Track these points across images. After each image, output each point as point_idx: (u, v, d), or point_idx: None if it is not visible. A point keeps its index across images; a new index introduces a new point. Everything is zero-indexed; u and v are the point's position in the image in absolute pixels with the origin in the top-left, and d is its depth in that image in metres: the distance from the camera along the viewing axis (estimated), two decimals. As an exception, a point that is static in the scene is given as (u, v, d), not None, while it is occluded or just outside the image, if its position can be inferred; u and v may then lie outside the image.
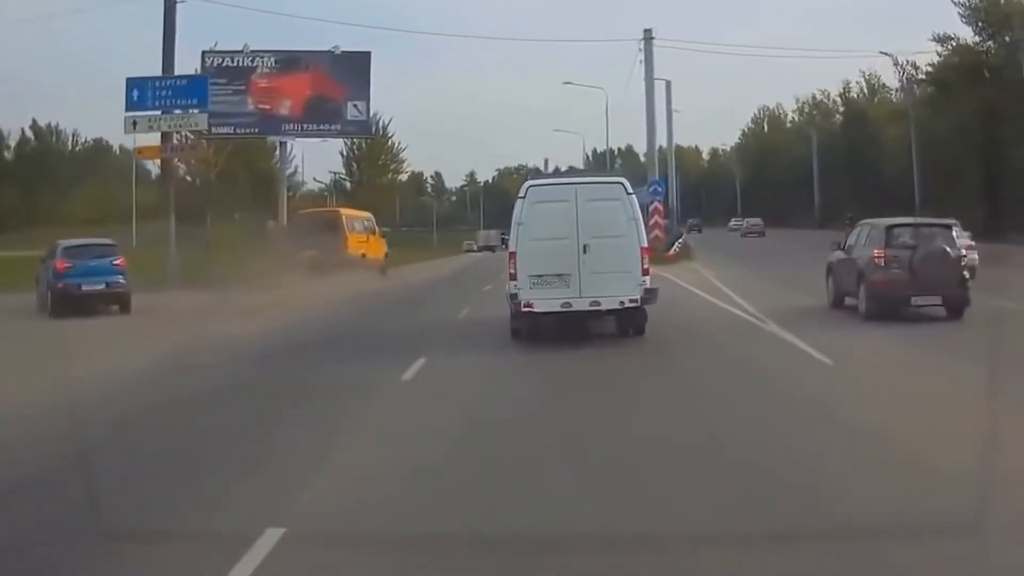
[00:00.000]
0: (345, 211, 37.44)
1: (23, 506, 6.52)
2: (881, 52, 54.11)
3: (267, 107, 35.92)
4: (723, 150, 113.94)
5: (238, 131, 37.04)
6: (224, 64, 36.04)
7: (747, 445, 7.81)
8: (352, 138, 38.41)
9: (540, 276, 14.02)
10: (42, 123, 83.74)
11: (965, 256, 17.03)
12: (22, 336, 19.03)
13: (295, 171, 56.28)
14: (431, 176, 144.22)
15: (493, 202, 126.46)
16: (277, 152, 54.55)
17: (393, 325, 18.18)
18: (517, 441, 8.36)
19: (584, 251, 13.87)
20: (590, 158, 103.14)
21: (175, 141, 36.03)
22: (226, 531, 5.87)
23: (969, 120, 49.64)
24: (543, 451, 7.92)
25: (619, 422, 9.07)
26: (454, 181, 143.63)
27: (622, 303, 13.88)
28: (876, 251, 16.49)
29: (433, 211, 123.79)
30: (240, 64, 36.00)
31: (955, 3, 52.16)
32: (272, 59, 36.04)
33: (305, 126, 36.22)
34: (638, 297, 13.78)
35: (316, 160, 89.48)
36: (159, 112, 31.27)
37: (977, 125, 48.93)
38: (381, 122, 59.04)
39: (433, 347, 14.22)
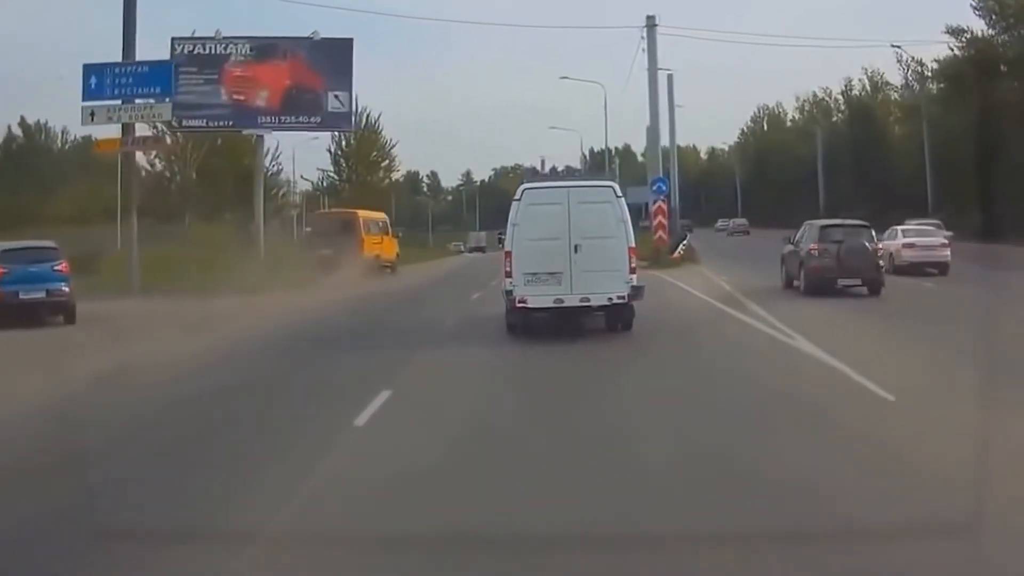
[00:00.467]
0: (362, 213, 38.01)
1: None
2: (892, 45, 51.05)
3: (242, 98, 33.08)
4: (721, 150, 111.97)
5: (210, 124, 34.20)
6: (195, 51, 33.21)
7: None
8: (333, 131, 35.20)
9: (534, 274, 14.77)
10: (31, 120, 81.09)
11: (881, 248, 22.86)
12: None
13: (280, 168, 53.41)
14: (427, 175, 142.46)
15: (489, 202, 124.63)
16: (264, 146, 52.14)
17: (358, 345, 15.37)
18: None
19: (575, 251, 14.66)
20: (587, 158, 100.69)
21: (150, 133, 33.34)
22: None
23: (985, 116, 47.00)
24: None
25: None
26: (450, 180, 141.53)
27: (611, 300, 14.74)
28: (812, 245, 21.62)
29: (428, 211, 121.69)
30: (212, 52, 33.17)
31: (968, -5, 49.50)
32: (247, 46, 33.21)
33: (283, 119, 33.35)
34: (625, 294, 14.71)
35: (309, 157, 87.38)
36: (119, 101, 28.53)
37: (993, 121, 46.42)
38: (370, 117, 56.51)
39: (402, 381, 11.62)
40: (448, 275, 37.77)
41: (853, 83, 78.88)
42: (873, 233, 22.54)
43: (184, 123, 34.00)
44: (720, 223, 77.87)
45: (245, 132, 34.88)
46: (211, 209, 44.65)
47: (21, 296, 20.21)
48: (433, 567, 5.34)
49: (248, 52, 33.23)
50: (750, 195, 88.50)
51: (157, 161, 46.97)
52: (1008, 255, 28.81)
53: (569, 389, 11.14)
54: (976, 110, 47.52)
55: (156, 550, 5.61)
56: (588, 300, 14.77)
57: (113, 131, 29.71)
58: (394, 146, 57.81)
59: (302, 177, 66.53)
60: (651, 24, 35.55)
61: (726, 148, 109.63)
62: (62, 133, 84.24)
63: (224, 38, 33.18)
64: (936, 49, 65.53)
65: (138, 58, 29.47)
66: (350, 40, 33.54)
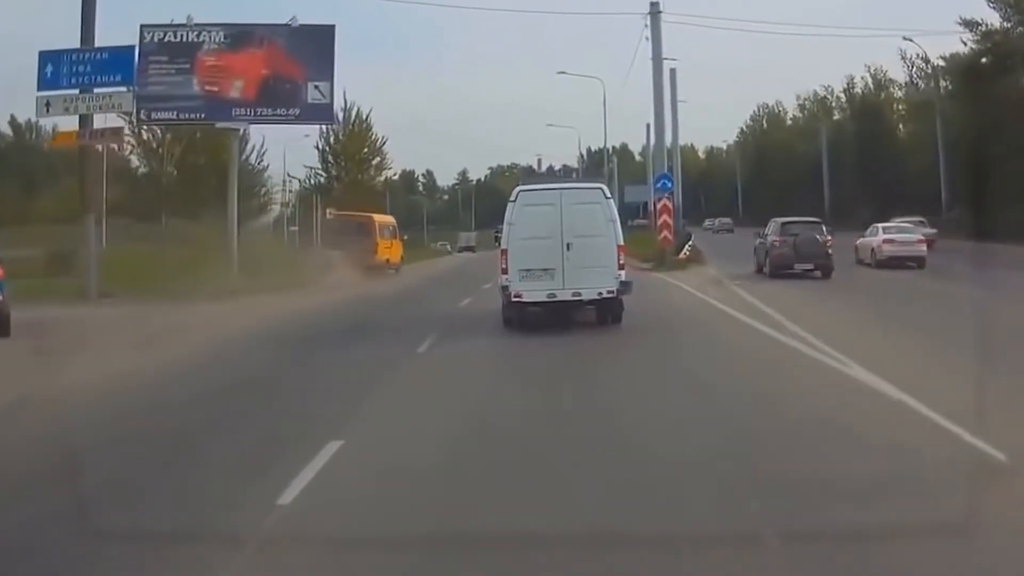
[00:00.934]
0: (377, 217, 39.94)
1: None
2: (904, 37, 48.48)
3: (214, 89, 30.32)
4: (719, 149, 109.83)
5: (181, 117, 31.42)
6: (166, 39, 30.43)
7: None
8: (313, 124, 32.44)
9: (528, 270, 15.57)
10: (21, 119, 78.32)
11: (828, 241, 26.57)
12: None
13: (267, 165, 50.65)
14: (422, 174, 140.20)
15: (485, 201, 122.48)
16: (249, 143, 49.41)
17: (310, 381, 12.39)
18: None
19: (567, 248, 15.52)
20: (584, 157, 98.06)
21: (122, 124, 30.72)
22: None
23: (1001, 111, 44.43)
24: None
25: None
26: (446, 180, 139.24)
27: (600, 294, 15.61)
28: (774, 238, 27.07)
29: (424, 210, 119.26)
30: (184, 39, 30.41)
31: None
32: (221, 33, 30.46)
33: (259, 111, 30.59)
34: (614, 289, 15.58)
35: (302, 156, 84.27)
36: (77, 91, 25.91)
37: (1009, 117, 43.87)
38: (360, 112, 53.82)
39: (355, 429, 8.87)
40: (441, 276, 36.96)
41: (856, 81, 77.55)
42: (824, 228, 27.55)
43: (153, 116, 31.26)
44: (707, 222, 78.14)
45: (218, 125, 32.14)
46: (191, 207, 41.91)
47: (-52, 304, 17.68)
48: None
49: (222, 40, 30.49)
50: (750, 194, 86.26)
51: (134, 157, 44.33)
52: (1009, 255, 28.42)
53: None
54: (991, 105, 45.04)
55: None
56: (579, 294, 15.67)
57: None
58: (385, 143, 54.96)
59: (289, 175, 63.63)
60: (655, 11, 32.87)
61: (724, 148, 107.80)
62: (53, 131, 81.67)
63: (196, 25, 30.44)
64: (945, 44, 63.68)
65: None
66: (332, 27, 30.85)
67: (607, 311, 15.97)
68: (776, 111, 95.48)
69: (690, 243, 35.14)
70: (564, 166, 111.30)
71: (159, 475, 7.42)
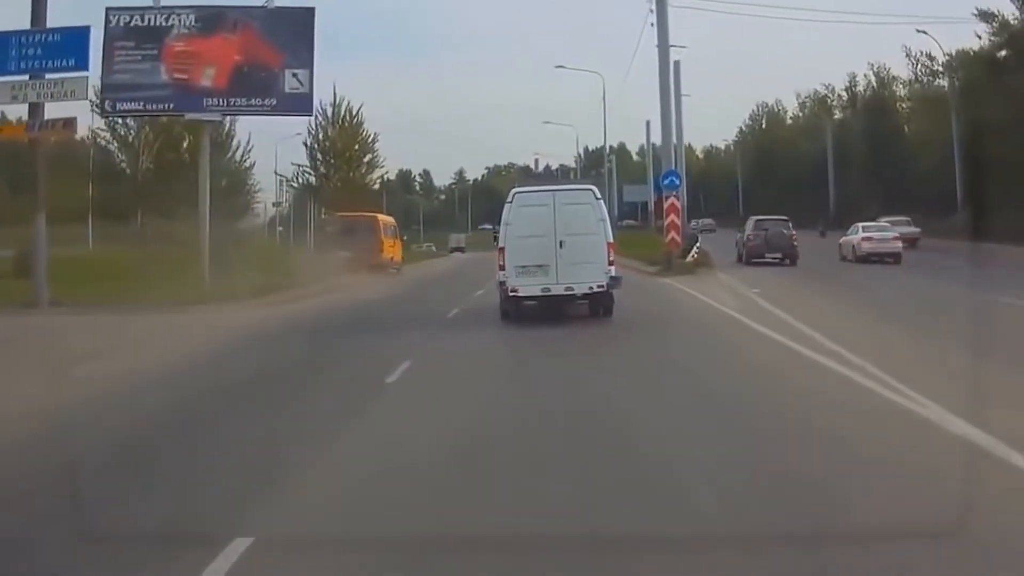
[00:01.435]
0: (380, 217, 40.60)
1: None
2: (918, 30, 45.71)
3: (184, 77, 27.42)
4: (718, 149, 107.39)
5: (148, 107, 28.51)
6: (133, 23, 27.55)
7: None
8: (290, 115, 29.49)
9: (524, 267, 16.39)
10: (12, 118, 75.23)
11: (794, 235, 32.92)
12: None
13: (252, 162, 47.71)
14: (419, 174, 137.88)
15: (482, 201, 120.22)
16: (235, 139, 46.50)
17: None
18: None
19: (560, 246, 16.33)
20: (582, 156, 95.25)
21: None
22: None
23: (1020, 107, 41.67)
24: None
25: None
26: (443, 179, 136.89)
27: (591, 288, 16.47)
28: (749, 233, 33.74)
29: (420, 210, 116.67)
30: (152, 23, 27.53)
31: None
32: (191, 16, 27.55)
33: (232, 101, 27.63)
34: (604, 283, 16.42)
35: (293, 153, 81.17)
36: (27, 77, 23.10)
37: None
38: (349, 107, 50.86)
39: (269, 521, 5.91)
40: (434, 279, 35.96)
41: (858, 79, 75.16)
42: (790, 225, 33.94)
43: (118, 106, 28.35)
44: (692, 223, 74.80)
45: (188, 117, 29.30)
46: (170, 206, 38.88)
47: None
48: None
49: (192, 24, 27.61)
50: (751, 194, 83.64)
51: (114, 150, 41.47)
52: (1004, 255, 29.10)
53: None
54: (1009, 100, 42.28)
55: None
56: (572, 289, 16.46)
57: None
58: (376, 140, 51.94)
59: (276, 173, 60.77)
60: (661, -4, 29.98)
61: (723, 148, 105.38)
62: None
63: (165, 8, 27.53)
64: (958, 37, 61.14)
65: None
66: (311, 10, 27.93)
67: (598, 304, 16.98)
68: (776, 110, 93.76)
69: (697, 245, 32.27)
70: (561, 166, 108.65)
71: None
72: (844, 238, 35.55)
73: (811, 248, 37.18)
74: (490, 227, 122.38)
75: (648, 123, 76.10)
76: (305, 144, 50.31)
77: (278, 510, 6.03)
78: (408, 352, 13.26)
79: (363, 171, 52.71)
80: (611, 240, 16.56)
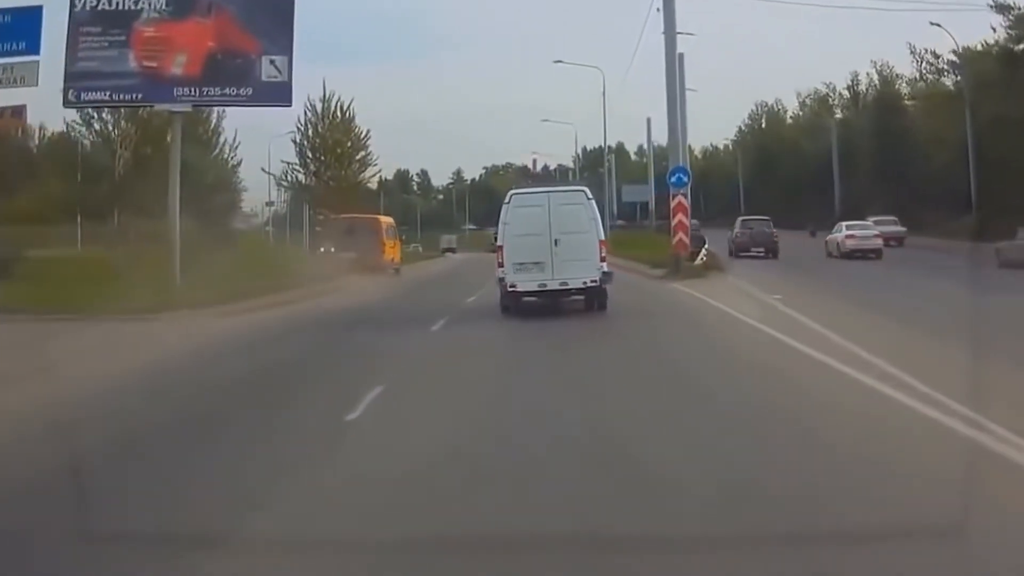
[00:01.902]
0: (382, 218, 40.68)
1: None
2: (931, 23, 43.24)
3: (153, 65, 25.01)
4: (717, 149, 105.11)
5: (115, 97, 26.02)
6: (100, 7, 25.11)
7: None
8: (266, 106, 26.96)
9: (521, 264, 17.13)
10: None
11: (774, 233, 38.29)
12: None
13: (238, 159, 45.17)
14: (417, 174, 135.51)
15: (480, 201, 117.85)
16: (222, 136, 44.01)
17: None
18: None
19: (555, 244, 17.10)
20: (580, 156, 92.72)
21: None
22: None
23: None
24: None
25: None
26: (441, 179, 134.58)
27: (585, 283, 17.20)
28: (737, 231, 39.19)
29: (418, 210, 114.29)
30: (120, 7, 25.08)
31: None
32: (162, 0, 25.12)
33: (205, 90, 25.16)
34: (597, 278, 17.19)
35: (286, 152, 78.43)
36: (-28, 62, 20.70)
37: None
38: (339, 102, 48.32)
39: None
40: (428, 281, 35.34)
41: (860, 78, 73.00)
42: (771, 224, 38.94)
43: (83, 96, 25.84)
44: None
45: (157, 107, 26.84)
46: (150, 203, 36.31)
47: None
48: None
49: (163, 7, 25.16)
50: (752, 194, 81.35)
51: (90, 144, 38.99)
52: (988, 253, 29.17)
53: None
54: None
55: None
56: (566, 284, 17.05)
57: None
58: (369, 137, 49.34)
59: (263, 170, 58.27)
60: (668, -21, 27.48)
61: (722, 147, 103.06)
62: (40, 129, 76.42)
63: (134, -11, 25.11)
64: (965, 33, 58.99)
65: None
66: (290, -9, 25.47)
67: (593, 298, 17.52)
68: (776, 109, 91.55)
69: (705, 247, 29.77)
70: (560, 165, 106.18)
71: None
72: (829, 236, 38.57)
73: (802, 246, 40.75)
74: (475, 227, 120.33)
75: (649, 120, 73.69)
76: (294, 141, 47.77)
77: None
78: (381, 376, 10.85)
79: (356, 169, 50.13)
80: (603, 238, 17.49)
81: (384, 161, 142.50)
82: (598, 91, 58.69)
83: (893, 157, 53.26)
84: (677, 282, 24.75)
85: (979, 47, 47.73)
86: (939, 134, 48.15)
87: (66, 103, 25.47)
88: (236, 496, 6.24)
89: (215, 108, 42.95)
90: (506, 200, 17.76)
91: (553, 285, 17.10)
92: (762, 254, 36.84)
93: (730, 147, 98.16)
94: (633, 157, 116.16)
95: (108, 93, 25.67)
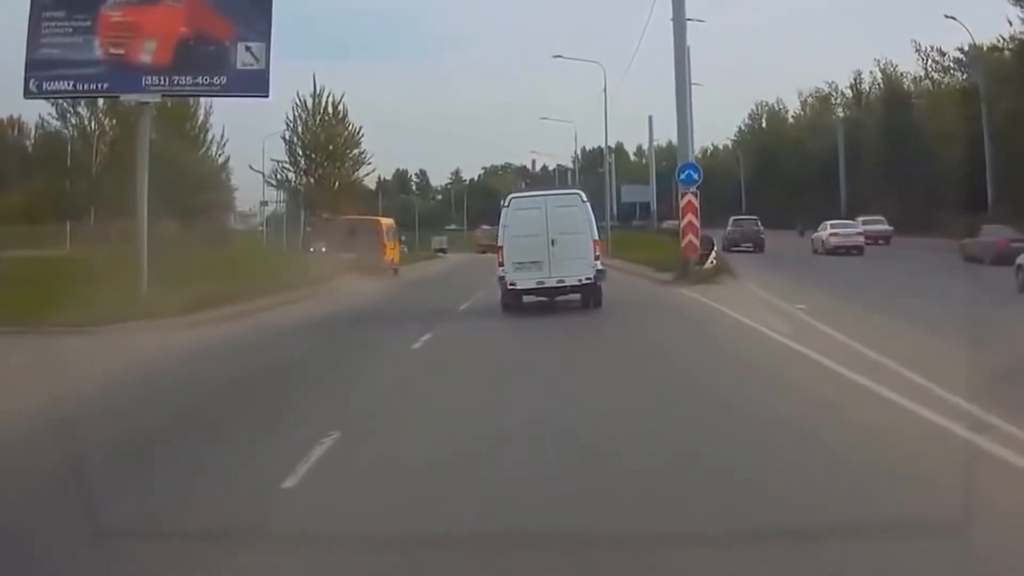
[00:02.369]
0: (383, 220, 40.54)
1: None
2: (945, 15, 40.96)
3: (120, 52, 22.73)
4: (717, 148, 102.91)
5: (79, 87, 23.69)
6: (63, -10, 22.84)
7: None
8: (242, 96, 24.67)
9: (520, 263, 17.85)
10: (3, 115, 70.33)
11: (761, 230, 43.55)
12: None
13: (226, 157, 42.84)
14: (415, 174, 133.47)
15: (478, 201, 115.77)
16: (210, 133, 41.74)
17: None
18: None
19: (552, 244, 17.80)
20: (579, 156, 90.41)
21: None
22: None
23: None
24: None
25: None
26: (439, 179, 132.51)
27: (580, 280, 17.93)
28: (728, 228, 44.22)
29: (416, 210, 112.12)
30: (86, -11, 22.82)
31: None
32: (130, -19, 22.85)
33: (176, 79, 22.84)
34: (592, 275, 17.91)
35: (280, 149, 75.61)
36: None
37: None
38: (331, 98, 45.96)
39: None
40: (420, 284, 33.44)
41: (863, 76, 70.93)
42: (759, 222, 44.19)
43: (45, 87, 23.50)
44: (664, 223, 73.06)
45: (123, 98, 24.62)
46: (131, 202, 33.97)
47: None
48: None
49: (132, -11, 22.90)
50: (754, 194, 79.16)
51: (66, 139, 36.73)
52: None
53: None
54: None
55: None
56: (563, 281, 17.92)
57: None
58: (362, 134, 46.91)
59: (251, 168, 55.88)
60: (675, -38, 25.16)
61: (721, 147, 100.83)
62: (35, 128, 74.23)
63: (100, -30, 22.80)
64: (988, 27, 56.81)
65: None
66: (267, -28, 23.13)
67: (589, 295, 18.16)
68: (776, 109, 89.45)
69: (715, 250, 27.40)
70: (559, 166, 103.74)
71: None
72: (815, 234, 41.10)
73: (791, 244, 43.01)
74: (457, 227, 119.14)
75: (651, 118, 71.54)
76: (283, 138, 45.32)
77: None
78: (338, 417, 8.59)
79: (349, 168, 47.72)
80: (597, 238, 18.26)
81: (383, 161, 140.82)
82: (597, 89, 56.62)
83: (901, 155, 51.07)
84: (687, 288, 22.48)
85: (995, 41, 45.68)
86: (951, 131, 45.85)
87: (27, 94, 23.19)
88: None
89: (203, 103, 40.90)
90: (506, 204, 18.68)
91: (550, 282, 17.89)
92: (750, 248, 40.95)
93: (730, 147, 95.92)
94: (632, 157, 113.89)
95: (72, 83, 23.36)
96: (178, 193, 35.18)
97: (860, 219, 44.30)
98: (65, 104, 35.64)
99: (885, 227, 44.31)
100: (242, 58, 22.55)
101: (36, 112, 49.45)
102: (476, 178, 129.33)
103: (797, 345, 12.32)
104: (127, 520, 5.79)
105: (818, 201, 60.43)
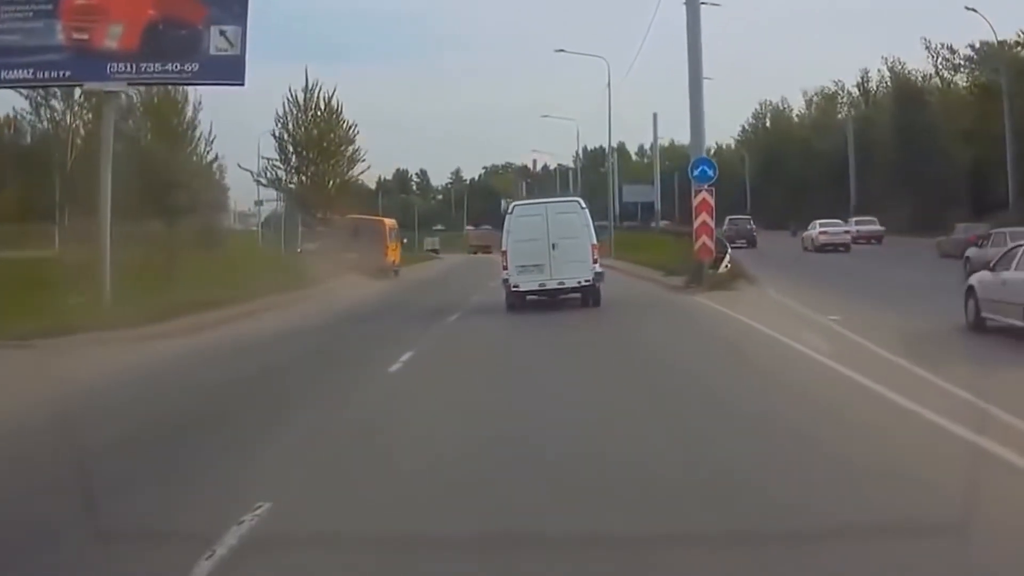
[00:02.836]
0: (387, 221, 40.55)
1: None
2: (967, 8, 38.79)
3: (85, 37, 20.61)
4: (721, 147, 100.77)
5: (39, 75, 21.51)
6: (23, -30, 20.70)
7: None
8: (215, 84, 22.57)
9: (523, 266, 18.79)
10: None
11: (754, 228, 47.78)
12: None
13: (214, 155, 40.71)
14: (416, 174, 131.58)
15: (479, 201, 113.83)
16: (197, 130, 39.69)
17: None
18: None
19: (553, 248, 18.72)
20: (580, 156, 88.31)
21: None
22: None
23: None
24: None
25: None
26: (440, 179, 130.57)
27: (579, 282, 18.83)
28: (724, 226, 41.25)
29: (415, 210, 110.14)
30: (47, -31, 20.67)
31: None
32: (94, -40, 20.69)
33: (143, 66, 20.66)
34: (590, 278, 18.80)
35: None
36: None
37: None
38: (323, 92, 43.79)
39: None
40: (411, 289, 31.57)
41: (870, 75, 68.95)
42: (751, 220, 48.69)
43: (3, 75, 21.32)
44: (652, 224, 73.72)
45: (86, 87, 22.50)
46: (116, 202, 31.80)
47: None
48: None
49: (97, -32, 20.75)
50: (760, 193, 77.13)
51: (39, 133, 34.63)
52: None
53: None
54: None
55: None
56: (563, 283, 18.82)
57: None
58: (356, 130, 44.67)
59: (239, 166, 53.76)
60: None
61: (725, 146, 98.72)
62: (31, 128, 72.22)
63: (62, -51, 20.64)
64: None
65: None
66: (244, -51, 20.94)
67: (588, 295, 19.00)
68: (781, 108, 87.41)
69: (728, 252, 25.18)
70: (560, 165, 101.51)
71: None
72: (805, 233, 43.27)
73: (784, 243, 44.84)
74: (444, 228, 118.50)
75: (655, 115, 69.37)
76: (273, 135, 43.09)
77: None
78: (269, 484, 6.47)
79: (344, 166, 45.51)
80: (595, 242, 19.06)
81: (384, 161, 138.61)
82: (599, 87, 54.38)
83: (915, 154, 48.95)
84: (702, 295, 20.35)
85: (1016, 36, 43.62)
86: (968, 129, 43.72)
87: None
88: None
89: (192, 98, 38.75)
90: (509, 211, 19.81)
91: (551, 284, 18.77)
92: (744, 244, 42.45)
93: (733, 146, 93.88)
94: (634, 157, 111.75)
95: (32, 71, 21.17)
96: (162, 192, 33.11)
97: (853, 220, 46.27)
98: (38, 96, 33.41)
99: (877, 227, 45.62)
100: (216, 43, 20.40)
101: (10, 105, 47.61)
102: (477, 178, 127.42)
103: (855, 374, 10.11)
104: None
105: (826, 201, 58.25)
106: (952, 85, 54.36)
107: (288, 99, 43.19)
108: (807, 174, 67.43)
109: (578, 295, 19.12)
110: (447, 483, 6.38)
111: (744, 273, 23.61)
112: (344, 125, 44.66)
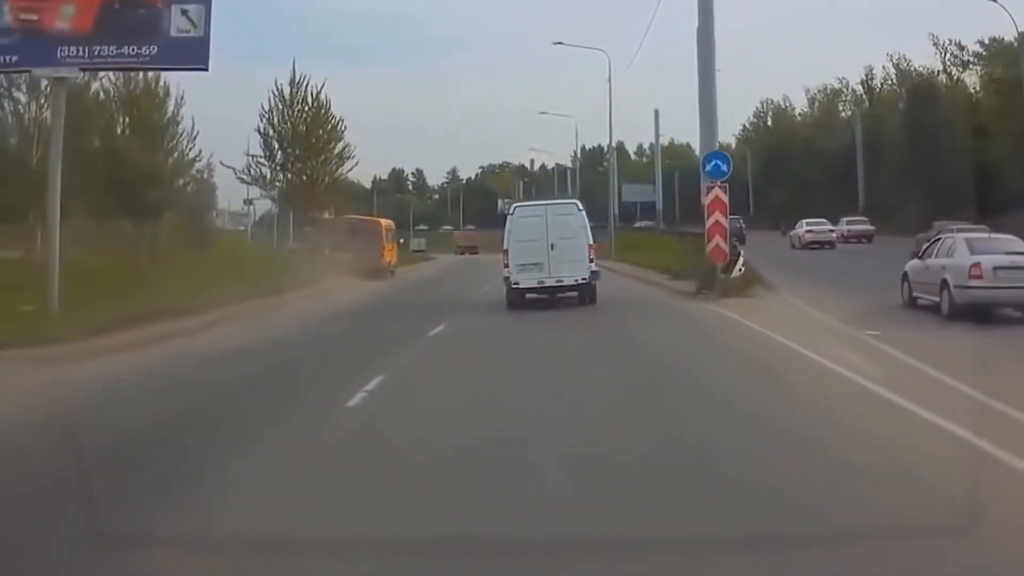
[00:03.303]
0: (383, 221, 40.05)
1: None
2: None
3: (33, 19, 18.44)
4: (722, 145, 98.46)
5: (-16, 61, 19.39)
6: (-33, -53, 18.54)
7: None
8: (176, 69, 20.51)
9: (523, 265, 19.49)
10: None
11: (743, 227, 44.08)
12: None
13: (198, 152, 38.56)
14: (412, 173, 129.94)
15: (475, 200, 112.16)
16: (180, 125, 37.47)
17: None
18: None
19: (552, 248, 19.42)
20: (578, 155, 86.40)
21: None
22: None
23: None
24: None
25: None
26: (436, 178, 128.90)
27: (576, 280, 19.55)
28: None
29: (411, 209, 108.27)
30: (-9, -53, 18.52)
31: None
32: (44, -65, 18.52)
33: (98, 50, 18.46)
34: (587, 276, 19.52)
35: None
36: None
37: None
38: (310, 86, 41.62)
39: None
40: (404, 291, 30.31)
41: (874, 72, 67.13)
42: (741, 219, 45.42)
43: (-55, 62, 19.17)
44: (638, 224, 73.21)
45: (35, 73, 20.36)
46: (84, 200, 29.64)
47: None
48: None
49: (46, -55, 18.59)
50: (762, 193, 75.28)
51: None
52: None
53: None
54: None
55: None
56: (561, 281, 19.54)
57: None
58: (345, 127, 42.48)
59: (222, 163, 51.53)
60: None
61: (725, 145, 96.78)
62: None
63: (8, -80, 18.48)
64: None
65: None
66: (209, -76, 18.76)
67: (584, 293, 19.84)
68: (783, 106, 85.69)
69: (741, 255, 23.10)
70: (558, 164, 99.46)
71: None
72: (792, 231, 44.51)
73: (775, 241, 44.69)
74: (427, 227, 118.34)
75: (657, 112, 67.38)
76: (258, 130, 40.91)
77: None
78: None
79: (333, 163, 43.29)
80: (591, 243, 19.74)
81: (380, 160, 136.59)
82: (598, 83, 52.47)
83: (926, 151, 46.97)
84: (716, 303, 18.27)
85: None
86: (983, 126, 41.69)
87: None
88: None
89: (173, 93, 36.56)
90: (510, 212, 20.67)
91: (550, 282, 19.50)
92: (734, 241, 44.57)
93: (734, 145, 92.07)
94: (633, 157, 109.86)
95: (-25, 56, 19.05)
96: (137, 189, 30.97)
97: (845, 219, 46.91)
98: (0, 87, 31.24)
99: (867, 227, 46.51)
100: (177, 23, 18.23)
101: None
102: (473, 177, 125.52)
103: (913, 405, 8.08)
104: None
105: (831, 200, 56.30)
106: (960, 82, 52.38)
107: (274, 93, 41.03)
108: (810, 173, 65.63)
109: (575, 293, 19.83)
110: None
111: (760, 277, 21.49)
112: (332, 121, 42.45)
